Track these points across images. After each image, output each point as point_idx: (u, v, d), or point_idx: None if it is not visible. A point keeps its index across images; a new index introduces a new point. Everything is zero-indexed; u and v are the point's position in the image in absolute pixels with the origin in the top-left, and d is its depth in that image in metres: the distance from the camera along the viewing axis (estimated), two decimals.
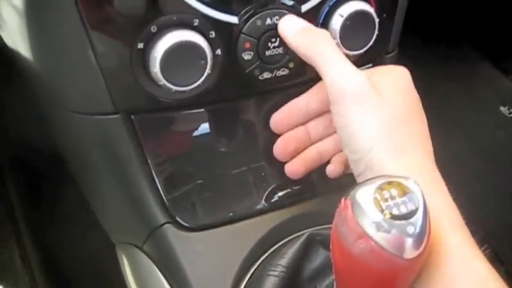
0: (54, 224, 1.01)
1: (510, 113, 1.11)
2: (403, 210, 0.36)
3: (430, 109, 0.50)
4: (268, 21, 0.51)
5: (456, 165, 0.53)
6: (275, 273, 0.53)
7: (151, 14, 0.47)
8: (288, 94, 0.56)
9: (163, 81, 0.48)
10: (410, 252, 0.36)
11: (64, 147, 0.66)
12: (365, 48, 0.55)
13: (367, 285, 0.39)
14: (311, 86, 0.56)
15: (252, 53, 0.52)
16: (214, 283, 0.55)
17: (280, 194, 0.60)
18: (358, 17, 0.53)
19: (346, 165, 0.55)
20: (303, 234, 0.56)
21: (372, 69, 0.50)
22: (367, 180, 0.38)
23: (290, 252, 0.54)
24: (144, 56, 0.49)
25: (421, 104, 0.49)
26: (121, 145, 0.54)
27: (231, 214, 0.58)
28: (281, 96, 0.56)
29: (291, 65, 0.54)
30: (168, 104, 0.53)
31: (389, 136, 0.46)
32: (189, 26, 0.49)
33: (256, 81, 0.54)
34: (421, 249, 0.37)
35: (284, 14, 0.52)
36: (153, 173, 0.56)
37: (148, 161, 0.55)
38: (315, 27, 0.51)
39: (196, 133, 0.57)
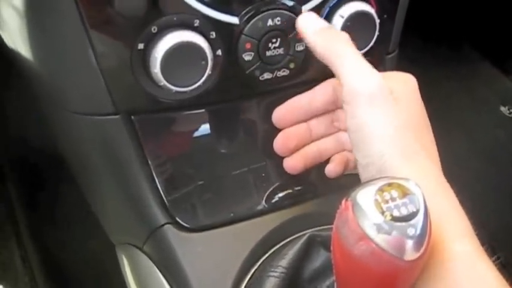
0: (55, 224, 1.01)
1: (510, 113, 1.12)
2: (404, 212, 0.36)
3: (430, 110, 0.50)
4: (270, 22, 0.51)
5: (457, 166, 0.53)
6: (275, 274, 0.53)
7: (152, 15, 0.47)
8: (289, 94, 0.56)
9: (163, 81, 0.48)
10: (410, 254, 0.36)
11: (64, 147, 0.66)
12: (366, 49, 0.55)
13: (368, 287, 0.39)
14: (312, 87, 0.56)
15: (253, 53, 0.52)
16: (215, 284, 0.55)
17: (280, 194, 0.60)
18: (358, 18, 0.54)
19: (346, 166, 0.55)
20: (304, 235, 0.56)
21: (380, 74, 0.50)
22: (368, 181, 0.38)
23: (291, 253, 0.54)
24: (144, 57, 0.49)
25: (425, 111, 0.49)
26: (121, 146, 0.54)
27: (232, 215, 0.58)
28: (281, 96, 0.56)
29: (292, 65, 0.54)
30: (168, 104, 0.53)
31: (403, 142, 0.45)
32: (189, 26, 0.49)
33: (257, 82, 0.54)
34: (421, 251, 0.36)
35: (285, 15, 0.52)
36: (154, 174, 0.55)
37: (149, 161, 0.55)
38: (333, 27, 0.51)
39: (196, 134, 0.57)
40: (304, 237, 0.55)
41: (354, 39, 0.54)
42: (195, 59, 0.49)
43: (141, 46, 0.48)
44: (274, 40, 0.52)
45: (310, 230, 0.56)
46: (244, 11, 0.51)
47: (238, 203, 0.58)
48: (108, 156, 0.57)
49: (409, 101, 0.48)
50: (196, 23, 0.49)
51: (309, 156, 0.55)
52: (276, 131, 0.55)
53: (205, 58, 0.49)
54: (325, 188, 0.58)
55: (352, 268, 0.38)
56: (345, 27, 0.53)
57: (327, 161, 0.56)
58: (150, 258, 0.60)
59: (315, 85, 0.56)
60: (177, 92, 0.49)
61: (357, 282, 0.40)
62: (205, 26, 0.49)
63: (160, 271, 0.58)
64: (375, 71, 0.47)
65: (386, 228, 0.36)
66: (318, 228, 0.56)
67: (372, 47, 0.56)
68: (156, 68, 0.48)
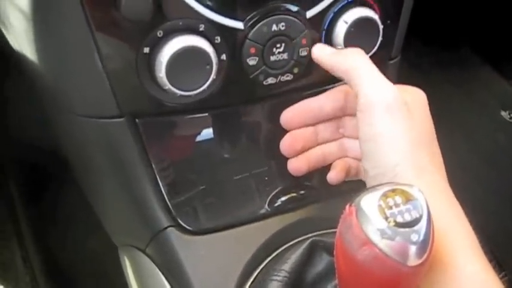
0: (56, 225, 1.01)
1: (511, 118, 1.12)
2: (407, 217, 0.36)
3: (431, 113, 0.50)
4: (274, 27, 0.51)
5: (457, 169, 0.53)
6: (278, 278, 0.53)
7: (158, 19, 0.48)
8: (292, 99, 0.56)
9: (168, 85, 0.49)
10: (414, 260, 0.36)
11: (68, 149, 0.66)
12: (369, 55, 0.56)
13: None
14: (315, 91, 0.56)
15: (257, 58, 0.52)
16: (217, 287, 0.55)
17: (283, 198, 0.60)
18: (362, 24, 0.54)
19: (347, 173, 0.55)
20: (306, 239, 0.56)
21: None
22: (371, 187, 0.38)
23: (293, 257, 0.54)
24: (149, 61, 0.49)
25: (434, 128, 0.50)
26: (125, 148, 0.55)
27: (234, 218, 0.58)
28: (285, 101, 0.56)
29: (296, 70, 0.54)
30: (172, 108, 0.53)
31: (414, 154, 0.46)
32: (194, 31, 0.49)
33: (261, 86, 0.54)
34: (424, 257, 0.37)
35: (290, 20, 0.52)
36: (157, 177, 0.56)
37: (152, 164, 0.55)
38: (347, 48, 0.53)
39: (200, 138, 0.57)
40: (307, 242, 0.55)
41: (358, 44, 0.54)
42: (200, 63, 0.49)
43: (146, 50, 0.49)
44: (278, 45, 0.52)
45: (313, 234, 0.56)
46: (249, 16, 0.51)
47: (241, 207, 0.59)
48: (112, 158, 0.57)
49: (419, 115, 0.48)
50: (202, 27, 0.49)
51: (313, 160, 0.55)
52: (279, 135, 0.55)
53: (210, 62, 0.49)
54: (328, 192, 0.58)
55: (355, 273, 0.39)
56: (349, 33, 0.54)
57: (329, 166, 0.56)
58: (153, 261, 0.60)
59: (318, 90, 0.56)
60: (181, 95, 0.50)
61: (360, 286, 0.40)
62: (210, 31, 0.50)
63: (163, 273, 0.59)
64: (390, 83, 0.48)
65: (389, 233, 0.36)
66: (321, 232, 0.57)
67: (375, 53, 0.56)
68: (161, 72, 0.48)
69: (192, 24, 0.49)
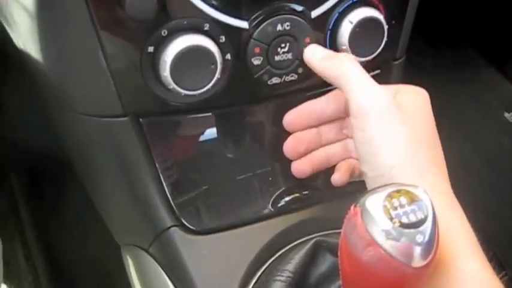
0: (59, 223, 1.01)
1: None
2: (412, 218, 0.36)
3: (434, 115, 0.50)
4: (279, 27, 0.51)
5: (459, 169, 0.53)
6: (282, 278, 0.53)
7: (162, 18, 0.48)
8: (297, 99, 0.56)
9: (172, 85, 0.49)
10: (418, 261, 0.36)
11: (71, 148, 0.66)
12: (374, 55, 0.56)
13: None
14: (319, 92, 0.56)
15: (262, 58, 0.52)
16: (220, 287, 0.55)
17: (286, 199, 0.60)
18: (367, 24, 0.54)
19: (352, 174, 0.55)
20: (310, 239, 0.56)
21: (393, 87, 0.50)
22: (376, 188, 0.38)
23: (297, 258, 0.54)
24: (154, 60, 0.49)
25: (436, 129, 0.49)
26: (129, 148, 0.55)
27: (238, 218, 0.58)
28: (289, 101, 0.56)
29: (300, 70, 0.54)
30: (177, 107, 0.53)
31: (412, 156, 0.46)
32: (199, 30, 0.49)
33: (265, 86, 0.54)
34: (429, 258, 0.37)
35: (294, 20, 0.52)
36: (161, 176, 0.56)
37: (156, 164, 0.55)
38: (338, 53, 0.52)
39: (204, 137, 0.57)
40: (311, 242, 0.55)
41: (362, 45, 0.54)
42: (204, 62, 0.49)
43: (151, 49, 0.49)
44: (283, 45, 0.52)
45: (316, 235, 0.56)
46: (253, 16, 0.51)
47: (245, 207, 0.59)
48: (116, 158, 0.57)
49: (420, 116, 0.48)
50: (206, 27, 0.49)
51: (316, 161, 0.55)
52: (283, 136, 0.55)
53: (214, 62, 0.49)
54: (331, 193, 0.58)
55: (359, 274, 0.39)
56: (354, 33, 0.53)
57: (333, 167, 0.56)
58: (156, 260, 0.60)
59: (322, 90, 0.56)
60: (186, 95, 0.50)
61: (364, 287, 0.40)
62: (215, 30, 0.50)
63: (166, 273, 0.59)
64: (382, 88, 0.48)
65: (394, 234, 0.36)
66: (324, 232, 0.57)
67: (379, 53, 0.56)
68: (165, 71, 0.48)
69: (196, 23, 0.49)
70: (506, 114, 1.12)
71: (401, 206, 0.36)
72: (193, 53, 0.48)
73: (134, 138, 0.54)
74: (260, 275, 0.55)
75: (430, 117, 0.49)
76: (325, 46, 0.55)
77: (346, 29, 0.54)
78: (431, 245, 0.37)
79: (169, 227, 0.57)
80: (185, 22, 0.48)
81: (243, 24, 0.51)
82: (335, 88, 0.55)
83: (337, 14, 0.54)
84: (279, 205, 0.60)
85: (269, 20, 0.51)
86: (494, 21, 1.13)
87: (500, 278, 0.42)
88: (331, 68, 0.50)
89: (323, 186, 0.59)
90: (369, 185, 0.48)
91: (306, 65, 0.54)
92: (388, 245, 0.36)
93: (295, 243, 0.57)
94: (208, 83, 0.50)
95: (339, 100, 0.54)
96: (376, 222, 0.36)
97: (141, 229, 0.60)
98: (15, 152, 1.06)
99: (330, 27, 0.54)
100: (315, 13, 0.53)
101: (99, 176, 0.62)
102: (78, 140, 0.60)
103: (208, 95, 0.52)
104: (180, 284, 0.57)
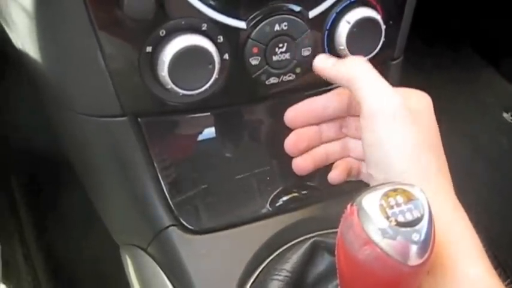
0: (58, 223, 1.01)
1: None
2: (409, 217, 0.36)
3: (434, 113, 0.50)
4: (277, 27, 0.51)
5: (460, 171, 0.53)
6: (279, 277, 0.53)
7: (160, 18, 0.48)
8: (295, 99, 0.56)
9: (171, 84, 0.49)
10: (415, 260, 0.36)
11: (69, 148, 0.66)
12: (371, 55, 0.56)
13: None
14: (317, 91, 0.56)
15: (260, 58, 0.52)
16: (219, 286, 0.55)
17: (284, 198, 0.60)
18: (365, 24, 0.54)
19: (349, 173, 0.55)
20: (308, 239, 0.56)
21: (398, 90, 0.50)
22: (373, 187, 0.38)
23: (295, 257, 0.54)
24: (152, 60, 0.49)
25: (439, 133, 0.50)
26: (127, 147, 0.55)
27: (236, 218, 0.58)
28: (287, 101, 0.56)
29: (298, 70, 0.55)
30: (175, 107, 0.53)
31: (422, 161, 0.46)
32: (197, 30, 0.49)
33: (263, 86, 0.54)
34: (425, 256, 0.37)
35: (292, 20, 0.52)
36: (159, 176, 0.56)
37: (155, 163, 0.55)
38: (350, 57, 0.53)
39: (202, 137, 0.57)
40: (309, 242, 0.55)
41: (360, 45, 0.55)
42: (202, 62, 0.49)
43: (149, 49, 0.49)
44: (281, 45, 0.52)
45: (314, 234, 0.57)
46: (251, 16, 0.51)
47: (243, 206, 0.59)
48: (114, 157, 0.57)
49: (425, 120, 0.49)
50: (204, 27, 0.49)
51: (317, 158, 0.55)
52: (281, 135, 0.55)
53: (212, 62, 0.49)
54: (329, 192, 0.58)
55: (356, 272, 0.39)
56: (351, 33, 0.54)
57: (331, 166, 0.56)
58: (155, 260, 0.60)
59: (320, 90, 0.56)
60: (184, 95, 0.50)
61: (361, 286, 0.40)
62: (213, 30, 0.50)
63: (165, 272, 0.59)
64: (394, 90, 0.48)
65: (391, 233, 0.36)
66: (322, 232, 0.57)
67: (377, 53, 0.56)
68: (163, 71, 0.48)
69: (194, 23, 0.49)
70: (505, 115, 1.12)
71: (398, 204, 0.37)
72: (191, 53, 0.48)
73: (133, 138, 0.54)
74: (258, 274, 0.55)
75: (434, 121, 0.50)
76: (322, 46, 0.55)
77: (343, 29, 0.54)
78: (427, 244, 0.37)
79: (168, 227, 0.57)
80: (183, 22, 0.49)
81: (241, 25, 0.51)
82: (333, 87, 0.56)
83: (334, 14, 0.54)
84: (277, 204, 0.60)
85: (267, 20, 0.51)
86: (493, 21, 1.13)
87: (506, 286, 0.42)
88: (343, 72, 0.50)
89: (321, 185, 0.59)
90: None
91: (304, 65, 0.54)
92: (384, 243, 0.36)
93: (293, 242, 0.57)
94: (206, 83, 0.50)
95: (340, 99, 0.54)
96: (372, 221, 0.36)
97: (139, 229, 0.61)
98: (15, 153, 1.06)
99: (328, 27, 0.54)
100: (312, 13, 0.53)
101: (97, 175, 0.63)
102: (77, 140, 0.60)
103: (206, 94, 0.52)
104: (179, 283, 0.57)
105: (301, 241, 0.56)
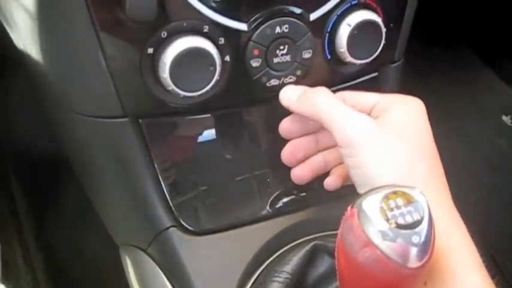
0: (57, 223, 1.01)
1: None
2: (409, 219, 0.37)
3: (432, 117, 0.50)
4: (278, 29, 0.52)
5: (458, 173, 0.53)
6: (280, 279, 0.53)
7: (162, 20, 0.48)
8: None
9: (172, 86, 0.49)
10: (414, 262, 0.37)
11: (70, 149, 0.66)
12: (372, 58, 0.56)
13: None
14: None
15: (260, 60, 0.52)
16: (218, 287, 0.55)
17: (284, 200, 0.60)
18: (365, 27, 0.54)
19: (345, 179, 0.55)
20: (308, 240, 0.56)
21: (386, 98, 0.50)
22: (373, 189, 0.39)
23: (295, 259, 0.54)
24: (153, 61, 0.49)
25: (433, 139, 0.49)
26: (128, 148, 0.55)
27: (236, 219, 0.58)
28: None
29: (298, 72, 0.55)
30: (176, 108, 0.53)
31: (410, 172, 0.46)
32: (198, 32, 0.49)
33: (264, 88, 0.54)
34: (425, 259, 0.37)
35: (293, 23, 0.52)
36: (160, 177, 0.56)
37: (155, 164, 0.56)
38: (312, 88, 0.53)
39: (202, 139, 0.57)
40: (309, 245, 0.55)
41: (361, 48, 0.55)
42: (203, 64, 0.49)
43: (150, 50, 0.49)
44: (281, 47, 0.53)
45: (314, 236, 0.57)
46: (252, 18, 0.51)
47: (243, 208, 0.59)
48: (115, 158, 0.57)
49: (414, 129, 0.48)
50: (206, 28, 0.49)
51: (315, 167, 0.55)
52: (282, 137, 0.55)
53: (213, 64, 0.49)
54: (329, 194, 0.58)
55: (356, 274, 0.39)
56: (352, 36, 0.54)
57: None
58: (154, 261, 0.60)
59: None
60: (185, 96, 0.50)
61: None
62: (214, 32, 0.50)
63: (164, 273, 0.59)
64: (362, 115, 0.48)
65: (391, 235, 0.36)
66: (322, 234, 0.57)
67: (377, 56, 0.56)
68: (164, 73, 0.48)
69: (196, 25, 0.49)
70: (504, 118, 1.12)
71: (398, 207, 0.37)
72: (193, 55, 0.48)
73: (133, 139, 0.54)
74: (258, 276, 0.56)
75: (425, 128, 0.49)
76: (323, 49, 0.55)
77: (344, 31, 0.54)
78: (427, 246, 0.37)
79: (168, 228, 0.57)
80: (185, 24, 0.49)
81: (242, 27, 0.51)
82: (333, 90, 0.56)
83: (335, 17, 0.54)
84: (277, 206, 0.60)
85: (268, 23, 0.51)
86: (493, 24, 1.13)
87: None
88: (308, 108, 0.51)
89: (321, 187, 0.59)
90: None
91: (304, 67, 0.54)
92: (384, 245, 0.36)
93: (293, 244, 0.57)
94: (207, 85, 0.50)
95: None
96: (372, 223, 0.37)
97: (139, 229, 0.61)
98: (15, 153, 1.06)
99: (328, 30, 0.55)
100: (313, 16, 0.53)
101: (97, 176, 0.63)
102: (77, 140, 0.60)
103: (207, 96, 0.52)
104: (178, 284, 0.57)
105: (301, 243, 0.57)
